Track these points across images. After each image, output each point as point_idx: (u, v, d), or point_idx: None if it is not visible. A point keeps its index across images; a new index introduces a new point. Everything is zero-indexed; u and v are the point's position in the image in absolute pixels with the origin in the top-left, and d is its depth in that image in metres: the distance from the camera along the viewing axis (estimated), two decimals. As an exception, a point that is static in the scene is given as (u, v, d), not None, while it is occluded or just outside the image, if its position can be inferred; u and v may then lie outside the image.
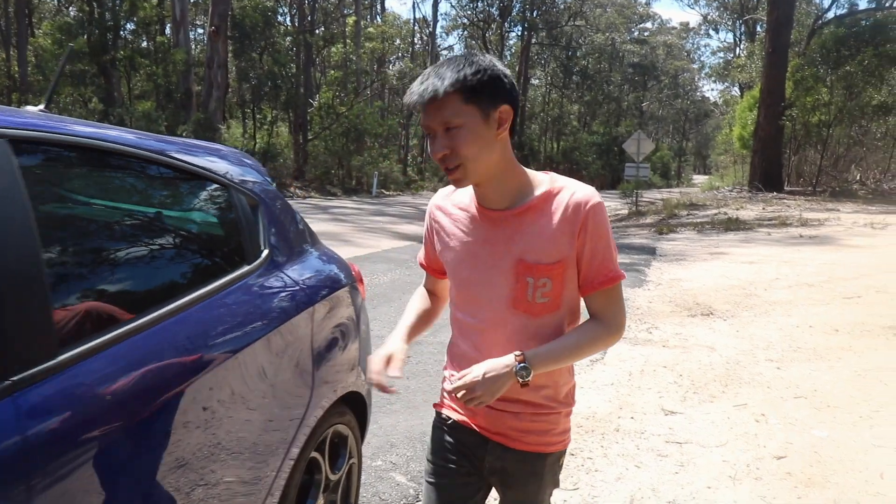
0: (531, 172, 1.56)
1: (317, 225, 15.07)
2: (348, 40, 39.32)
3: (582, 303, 1.58)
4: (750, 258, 10.68)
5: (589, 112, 59.49)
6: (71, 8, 31.74)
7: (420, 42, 51.54)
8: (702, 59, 64.07)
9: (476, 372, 1.46)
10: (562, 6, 50.55)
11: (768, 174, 24.80)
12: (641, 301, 7.54)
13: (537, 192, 1.52)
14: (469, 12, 48.70)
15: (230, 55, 29.41)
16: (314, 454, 2.28)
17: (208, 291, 1.80)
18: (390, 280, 8.42)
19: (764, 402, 4.40)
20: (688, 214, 18.93)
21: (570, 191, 1.50)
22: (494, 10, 48.31)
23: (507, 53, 53.54)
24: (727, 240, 13.31)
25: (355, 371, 2.53)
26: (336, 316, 2.42)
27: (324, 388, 2.25)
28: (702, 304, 7.37)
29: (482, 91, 1.41)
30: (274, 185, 2.38)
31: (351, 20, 41.23)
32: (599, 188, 41.34)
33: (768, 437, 3.84)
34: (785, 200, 21.22)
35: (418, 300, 1.85)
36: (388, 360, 1.60)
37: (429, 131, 1.45)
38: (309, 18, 34.04)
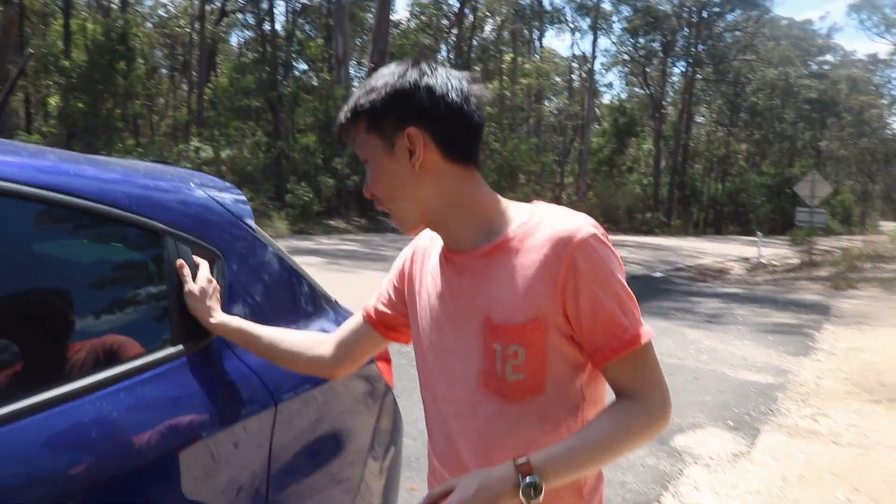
0: (508, 203, 1.19)
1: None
2: (504, 77, 39.54)
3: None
4: (953, 327, 8.88)
5: (758, 151, 55.57)
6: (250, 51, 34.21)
7: (579, 79, 50.72)
8: (892, 93, 57.91)
9: (461, 492, 1.01)
10: (730, 40, 47.82)
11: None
12: (808, 375, 6.26)
13: (510, 228, 1.14)
14: (629, 48, 47.31)
15: (387, 92, 30.22)
16: None
17: (76, 390, 1.19)
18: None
19: (981, 545, 3.21)
20: (872, 267, 16.61)
21: (551, 222, 1.10)
22: (657, 45, 46.62)
23: (670, 90, 51.41)
24: (922, 301, 11.33)
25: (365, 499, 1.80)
26: (325, 420, 1.70)
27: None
28: (889, 385, 5.97)
29: (382, 114, 1.12)
30: (256, 231, 1.72)
31: (508, 57, 41.55)
32: (768, 233, 38.37)
33: None
34: None
35: (303, 334, 1.50)
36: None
37: None
38: (466, 56, 34.42)
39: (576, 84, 50.11)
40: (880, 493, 3.74)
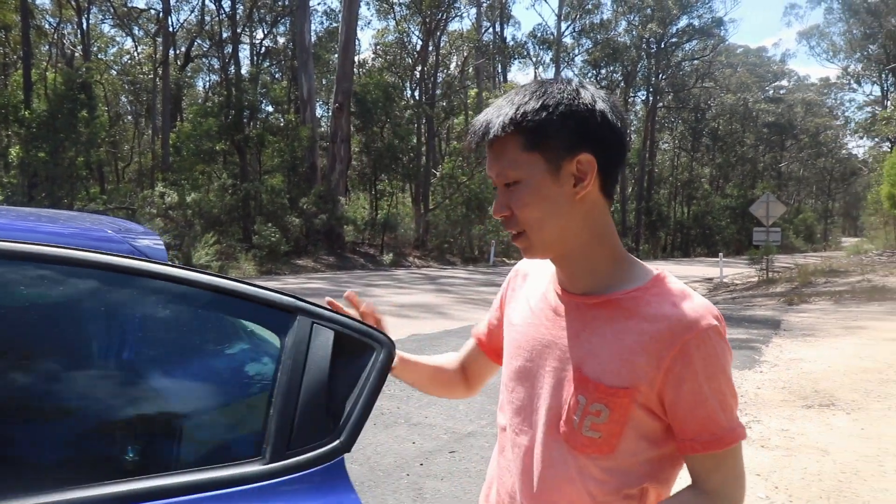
0: (634, 261, 1.14)
1: (419, 296, 14.92)
2: (470, 112, 40.17)
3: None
4: (894, 335, 9.21)
5: (721, 175, 56.84)
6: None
7: (543, 110, 51.56)
8: (846, 114, 59.58)
9: None
10: (688, 69, 49.25)
11: (926, 237, 22.23)
12: (749, 386, 6.50)
13: (630, 286, 1.09)
14: (592, 79, 48.44)
15: (353, 130, 30.62)
16: None
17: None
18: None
19: (882, 532, 3.43)
20: (825, 282, 17.08)
21: (676, 299, 1.05)
22: (618, 76, 47.82)
23: (634, 119, 52.62)
24: (868, 312, 11.72)
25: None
26: None
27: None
28: (822, 391, 6.24)
29: (550, 134, 1.04)
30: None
31: (472, 92, 42.25)
32: (734, 253, 39.09)
33: (881, 586, 2.91)
34: (946, 266, 18.78)
35: (443, 357, 1.50)
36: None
37: (493, 181, 1.11)
38: (431, 92, 34.99)
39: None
40: (797, 490, 3.96)
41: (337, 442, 1.10)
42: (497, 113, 1.06)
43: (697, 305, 1.04)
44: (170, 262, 1.29)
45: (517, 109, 1.04)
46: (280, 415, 1.10)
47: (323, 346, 1.16)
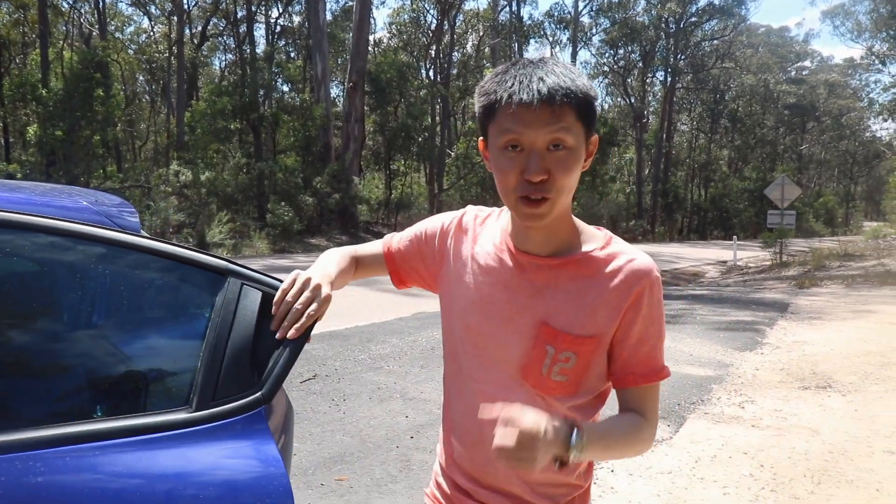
0: (582, 224, 1.28)
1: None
2: (485, 92, 39.98)
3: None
4: (902, 318, 9.14)
5: (740, 157, 56.09)
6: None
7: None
8: (870, 96, 58.22)
9: (534, 424, 1.03)
10: (708, 49, 48.51)
11: (945, 221, 21.92)
12: (746, 368, 6.50)
13: (586, 247, 1.23)
14: (609, 59, 47.94)
15: (367, 109, 30.57)
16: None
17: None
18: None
19: (862, 510, 3.44)
20: (839, 266, 16.93)
21: (628, 257, 1.22)
22: (636, 57, 47.26)
23: (651, 100, 52.01)
24: (880, 296, 11.60)
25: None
26: None
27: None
28: (820, 373, 6.22)
29: (592, 111, 1.15)
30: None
31: (488, 72, 42.02)
32: (752, 237, 38.67)
33: (853, 561, 2.94)
34: (964, 251, 18.52)
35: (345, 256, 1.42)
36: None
37: (520, 145, 1.12)
38: (446, 72, 34.84)
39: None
40: (782, 468, 3.98)
41: (258, 394, 1.18)
42: (558, 77, 1.10)
43: (645, 261, 1.21)
44: (114, 227, 1.38)
45: (580, 80, 1.12)
46: (207, 368, 1.19)
47: (251, 306, 1.24)
